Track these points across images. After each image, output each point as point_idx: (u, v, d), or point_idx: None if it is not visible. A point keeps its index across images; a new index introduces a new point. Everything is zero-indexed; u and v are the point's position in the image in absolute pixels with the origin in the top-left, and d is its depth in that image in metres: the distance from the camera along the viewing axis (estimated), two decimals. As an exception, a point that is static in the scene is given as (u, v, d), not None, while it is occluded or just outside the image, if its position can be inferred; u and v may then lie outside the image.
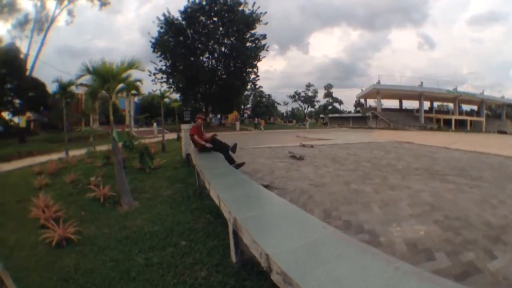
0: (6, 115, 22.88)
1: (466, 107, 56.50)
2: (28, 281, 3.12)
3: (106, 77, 4.43)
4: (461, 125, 44.37)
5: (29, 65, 23.60)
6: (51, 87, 18.07)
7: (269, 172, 7.28)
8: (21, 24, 25.00)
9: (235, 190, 3.26)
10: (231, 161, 6.60)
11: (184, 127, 9.30)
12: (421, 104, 49.91)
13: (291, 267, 1.48)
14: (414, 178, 6.45)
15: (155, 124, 26.11)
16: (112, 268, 3.14)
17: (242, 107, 60.06)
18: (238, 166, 6.57)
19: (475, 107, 55.91)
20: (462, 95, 49.56)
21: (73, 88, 10.56)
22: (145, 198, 5.50)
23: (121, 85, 8.88)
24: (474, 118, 49.85)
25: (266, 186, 5.28)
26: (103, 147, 11.28)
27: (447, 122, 47.03)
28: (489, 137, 25.51)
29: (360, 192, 5.30)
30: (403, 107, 56.41)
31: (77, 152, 11.83)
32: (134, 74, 6.42)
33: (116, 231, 4.11)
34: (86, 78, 5.00)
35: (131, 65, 4.67)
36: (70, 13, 28.61)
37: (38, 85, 23.19)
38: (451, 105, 54.90)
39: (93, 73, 4.48)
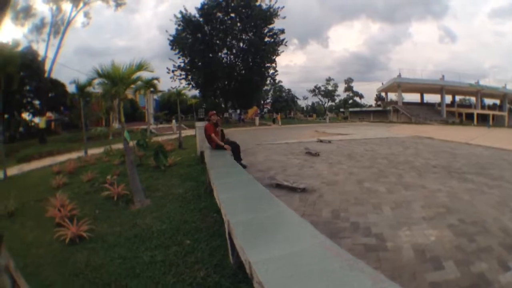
0: (26, 116, 23.91)
1: (488, 101, 53.65)
2: (43, 275, 3.31)
3: (115, 80, 4.52)
4: (483, 120, 42.19)
5: (47, 67, 24.48)
6: (71, 88, 18.80)
7: (282, 169, 7.17)
8: (38, 28, 25.84)
9: (236, 192, 3.24)
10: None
11: (198, 124, 9.37)
12: (442, 98, 47.85)
13: (270, 278, 1.44)
14: (431, 177, 6.17)
15: (174, 121, 26.53)
16: (119, 265, 3.27)
17: (262, 102, 59.97)
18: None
19: (497, 101, 52.91)
20: (484, 89, 46.96)
21: (91, 88, 10.87)
22: (157, 197, 5.61)
23: (138, 83, 9.10)
24: (497, 113, 47.07)
25: (303, 189, 5.15)
26: (121, 145, 11.61)
27: (469, 116, 44.83)
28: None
29: (372, 192, 5.13)
30: (425, 101, 54.32)
31: (96, 151, 12.23)
32: (153, 71, 6.51)
33: (127, 229, 4.25)
34: (99, 80, 5.14)
35: (140, 67, 4.74)
36: (86, 15, 29.30)
37: (58, 86, 24.17)
38: (473, 99, 52.26)
39: (103, 76, 4.60)
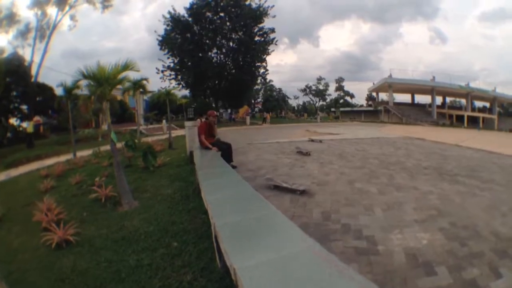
0: (14, 121, 23.56)
1: (478, 104, 54.57)
2: (29, 281, 3.26)
3: (100, 81, 4.41)
4: (473, 122, 42.76)
5: (34, 71, 24.07)
6: (59, 91, 18.52)
7: (272, 169, 7.09)
8: (23, 34, 25.30)
9: (224, 193, 3.16)
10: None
11: (188, 124, 9.23)
12: (433, 99, 48.32)
13: (253, 287, 1.37)
14: (423, 178, 6.18)
15: (164, 121, 26.22)
16: (105, 269, 3.20)
17: (253, 101, 59.86)
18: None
19: (487, 104, 53.91)
20: (475, 91, 47.71)
21: (78, 90, 10.67)
22: (145, 198, 5.51)
23: (127, 84, 8.93)
24: (487, 115, 47.85)
25: (303, 191, 5.04)
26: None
27: (460, 118, 45.57)
28: (502, 136, 24.47)
29: (364, 193, 5.10)
30: (415, 102, 54.94)
31: (85, 153, 11.98)
32: (142, 72, 6.39)
33: (114, 232, 4.16)
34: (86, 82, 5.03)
35: (126, 67, 4.64)
36: (72, 18, 28.68)
37: (45, 90, 23.89)
38: (463, 101, 52.94)
39: (88, 77, 4.48)
